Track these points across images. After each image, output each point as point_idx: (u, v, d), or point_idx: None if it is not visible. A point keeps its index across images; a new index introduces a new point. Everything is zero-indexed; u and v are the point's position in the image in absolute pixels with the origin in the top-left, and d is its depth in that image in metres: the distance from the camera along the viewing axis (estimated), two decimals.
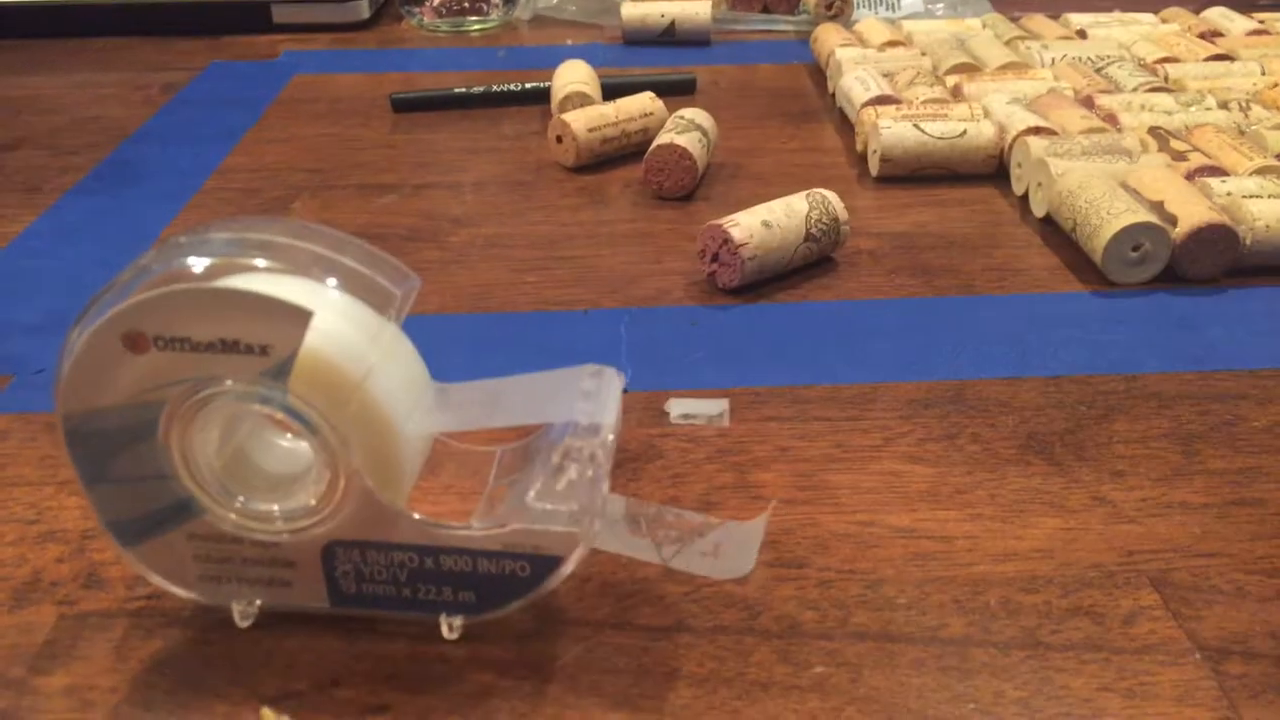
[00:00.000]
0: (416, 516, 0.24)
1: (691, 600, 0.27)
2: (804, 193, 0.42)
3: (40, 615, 0.27)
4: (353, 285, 0.23)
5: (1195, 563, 0.28)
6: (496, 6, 0.78)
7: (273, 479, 0.26)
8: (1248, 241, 0.41)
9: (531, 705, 0.24)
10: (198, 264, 0.22)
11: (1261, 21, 0.65)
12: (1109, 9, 0.71)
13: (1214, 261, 0.41)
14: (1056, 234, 0.45)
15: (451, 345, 0.38)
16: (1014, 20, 0.68)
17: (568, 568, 0.25)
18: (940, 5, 0.78)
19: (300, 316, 0.22)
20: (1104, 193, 0.42)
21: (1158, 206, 0.41)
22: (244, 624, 0.26)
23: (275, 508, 0.25)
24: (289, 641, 0.26)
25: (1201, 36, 0.63)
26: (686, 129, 0.49)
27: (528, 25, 0.79)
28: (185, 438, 0.24)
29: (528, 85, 0.61)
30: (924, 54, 0.62)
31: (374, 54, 0.73)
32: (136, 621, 0.27)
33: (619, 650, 0.26)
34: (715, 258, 0.41)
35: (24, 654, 0.26)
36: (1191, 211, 0.40)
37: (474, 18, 0.78)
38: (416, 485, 0.26)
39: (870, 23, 0.67)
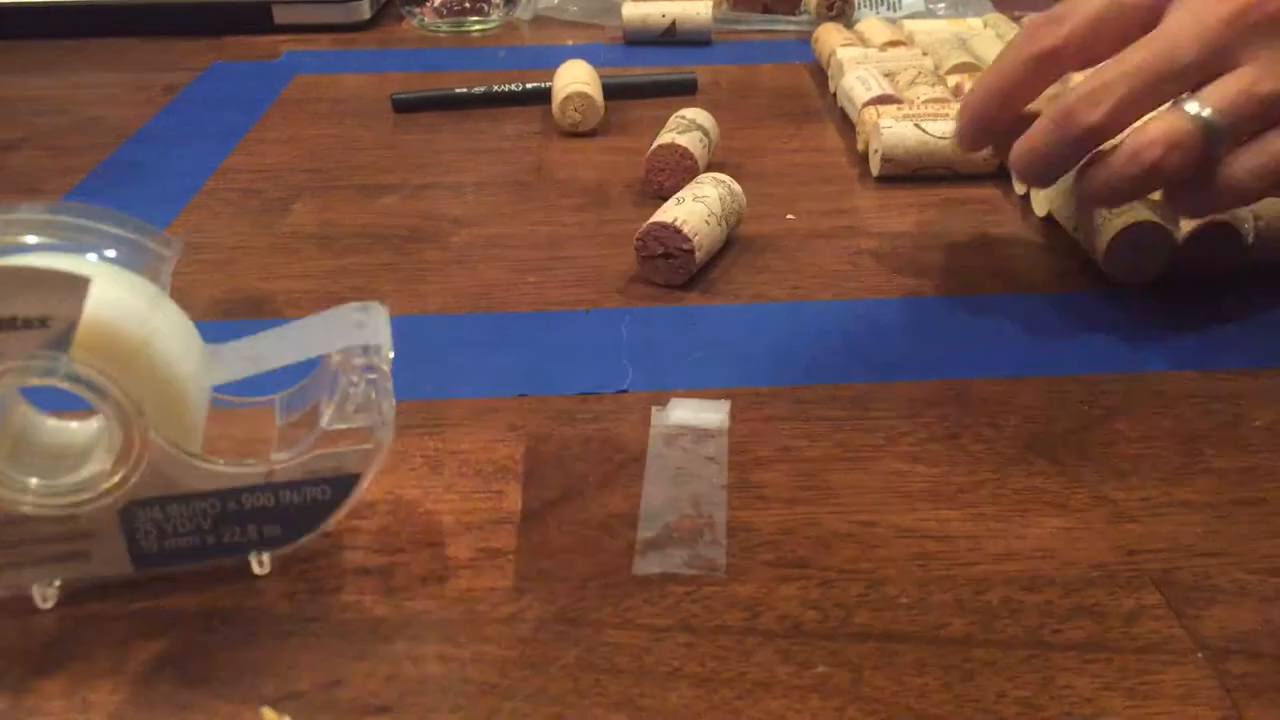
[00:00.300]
0: (218, 461, 0.25)
1: (693, 600, 0.27)
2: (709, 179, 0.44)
3: (40, 616, 0.27)
4: (121, 252, 0.24)
5: (1198, 562, 0.28)
6: (497, 7, 0.78)
7: (58, 453, 0.26)
8: (1250, 240, 0.41)
9: (533, 705, 0.24)
10: None
11: None
12: None
13: (1216, 261, 0.41)
14: (1058, 233, 0.45)
15: (453, 346, 0.38)
16: (1016, 19, 0.67)
17: (365, 482, 0.26)
18: (942, 5, 0.78)
19: (78, 284, 0.22)
20: None
21: (1160, 205, 0.41)
22: (45, 605, 0.26)
23: (71, 479, 0.25)
24: (290, 642, 0.26)
25: None
26: (688, 129, 0.49)
27: (528, 25, 0.79)
28: None
29: (528, 85, 0.61)
30: (925, 54, 0.62)
31: (375, 54, 0.73)
32: (137, 622, 0.27)
33: (620, 650, 0.26)
34: (667, 255, 0.41)
35: (24, 655, 0.26)
36: None
37: (474, 18, 0.78)
38: (206, 442, 0.26)
39: (871, 22, 0.67)
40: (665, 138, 0.49)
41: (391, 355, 0.26)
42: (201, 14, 0.76)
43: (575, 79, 0.57)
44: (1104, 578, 0.28)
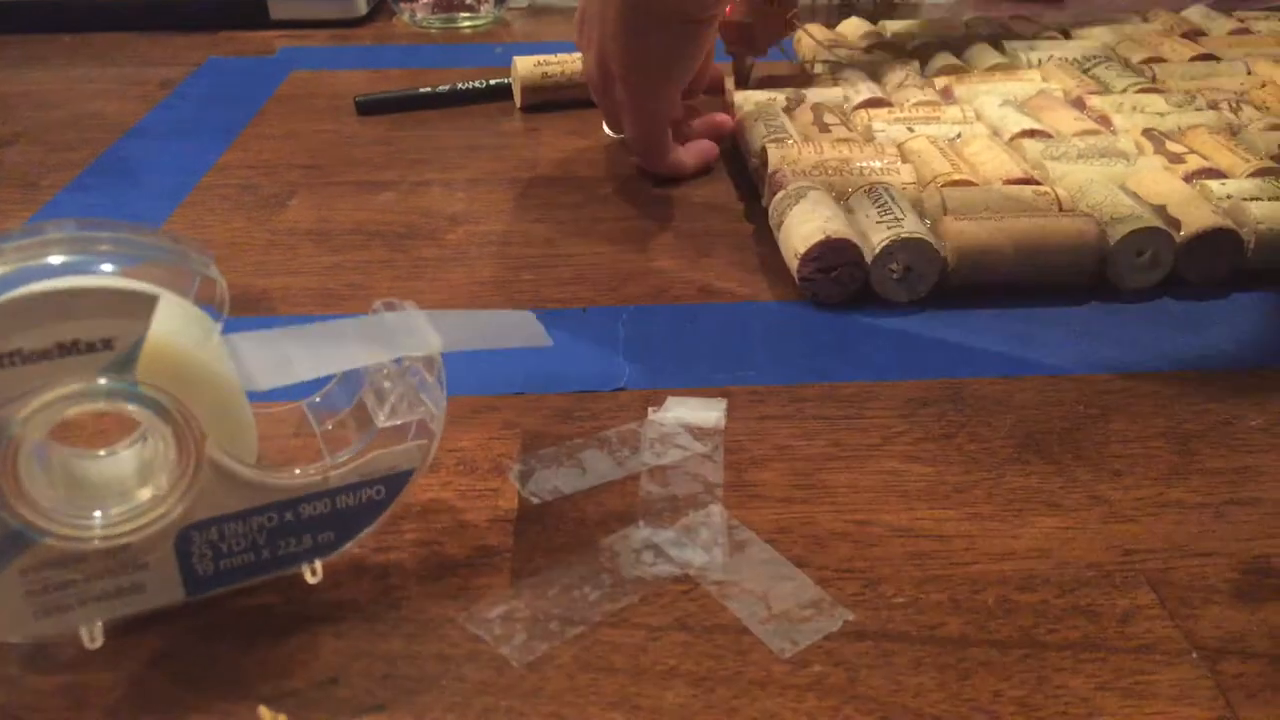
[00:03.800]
0: (278, 471, 0.25)
1: (690, 599, 0.27)
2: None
3: None
4: (159, 266, 0.24)
5: (1192, 562, 0.28)
6: (486, 2, 0.78)
7: (105, 483, 0.25)
8: (1250, 244, 0.41)
9: (529, 704, 0.24)
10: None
11: (1242, 20, 0.65)
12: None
13: (1216, 265, 0.41)
14: None
15: None
16: (997, 20, 0.67)
17: (418, 477, 0.26)
18: None
19: (146, 302, 0.22)
20: (1106, 197, 0.42)
21: (1160, 210, 0.41)
22: (93, 646, 0.25)
23: (128, 506, 0.24)
24: (286, 640, 0.26)
25: (1184, 36, 0.63)
26: None
27: (522, 16, 0.79)
28: (17, 463, 0.22)
29: (491, 82, 0.62)
30: (911, 56, 0.62)
31: (372, 50, 0.73)
32: (133, 619, 0.26)
33: (616, 649, 0.26)
34: (829, 270, 0.40)
35: (20, 651, 0.26)
36: (1195, 216, 0.40)
37: (465, 14, 0.77)
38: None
39: (852, 23, 0.67)
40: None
41: (439, 346, 0.26)
42: (197, 9, 0.76)
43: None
44: (1099, 577, 0.28)
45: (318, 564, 0.26)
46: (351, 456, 0.26)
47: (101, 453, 0.26)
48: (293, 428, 0.28)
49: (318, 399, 0.28)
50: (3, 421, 0.22)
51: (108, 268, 0.23)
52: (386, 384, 0.26)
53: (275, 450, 0.28)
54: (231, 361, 0.24)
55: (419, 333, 0.26)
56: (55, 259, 0.22)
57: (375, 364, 0.26)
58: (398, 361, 0.26)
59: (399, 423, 0.26)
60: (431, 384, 0.26)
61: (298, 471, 0.25)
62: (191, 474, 0.24)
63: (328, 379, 0.27)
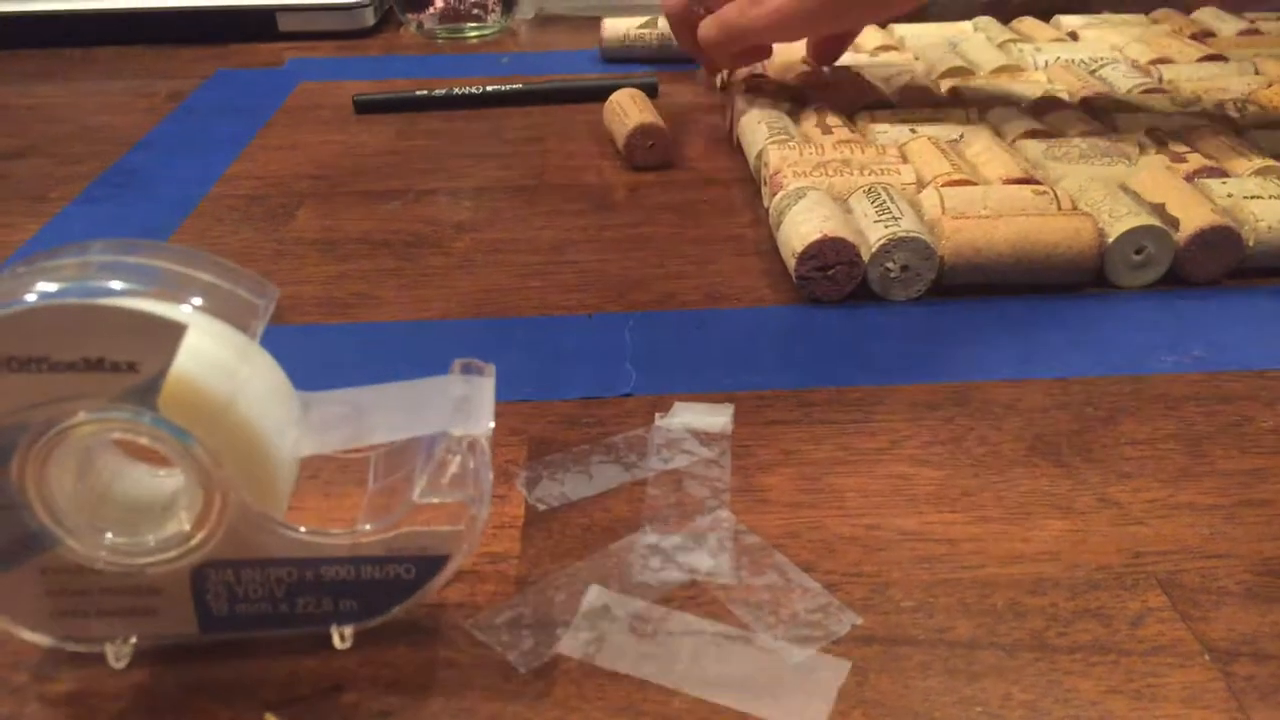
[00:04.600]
0: (298, 529, 0.24)
1: (697, 604, 0.27)
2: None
3: None
4: (212, 299, 0.23)
5: (1203, 564, 0.28)
6: (494, 13, 0.78)
7: (143, 506, 0.25)
8: (1250, 243, 0.41)
9: (535, 710, 0.24)
10: (48, 286, 0.22)
11: (1253, 21, 0.65)
12: (1099, 10, 0.71)
13: (1216, 263, 0.41)
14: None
15: (455, 351, 0.38)
16: (1005, 23, 0.67)
17: (454, 565, 0.25)
18: None
19: (174, 331, 0.21)
20: (1105, 196, 0.42)
21: (1159, 209, 0.41)
22: (119, 665, 0.25)
23: (150, 539, 0.24)
24: (293, 647, 0.26)
25: (1193, 37, 0.63)
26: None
27: (530, 26, 0.79)
28: (43, 468, 0.22)
29: (488, 88, 0.62)
30: (916, 58, 0.62)
31: (379, 61, 0.73)
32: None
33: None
34: (826, 268, 0.40)
35: (28, 660, 0.26)
36: (1194, 214, 0.40)
37: (472, 24, 0.78)
38: (293, 496, 0.25)
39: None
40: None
41: (492, 426, 0.24)
42: (205, 22, 0.77)
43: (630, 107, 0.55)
44: (1109, 580, 0.28)
45: (347, 630, 0.25)
46: (379, 527, 0.24)
47: (162, 473, 0.26)
48: (352, 481, 0.27)
49: (386, 454, 0.27)
50: (28, 424, 0.22)
51: (145, 291, 0.22)
52: (436, 454, 0.24)
53: (334, 504, 0.28)
54: (263, 407, 0.23)
55: (480, 407, 0.24)
56: (102, 278, 0.22)
57: (430, 433, 0.24)
58: (447, 435, 0.24)
59: (435, 501, 0.24)
60: (482, 465, 0.24)
61: (322, 532, 0.24)
62: (214, 521, 0.23)
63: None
